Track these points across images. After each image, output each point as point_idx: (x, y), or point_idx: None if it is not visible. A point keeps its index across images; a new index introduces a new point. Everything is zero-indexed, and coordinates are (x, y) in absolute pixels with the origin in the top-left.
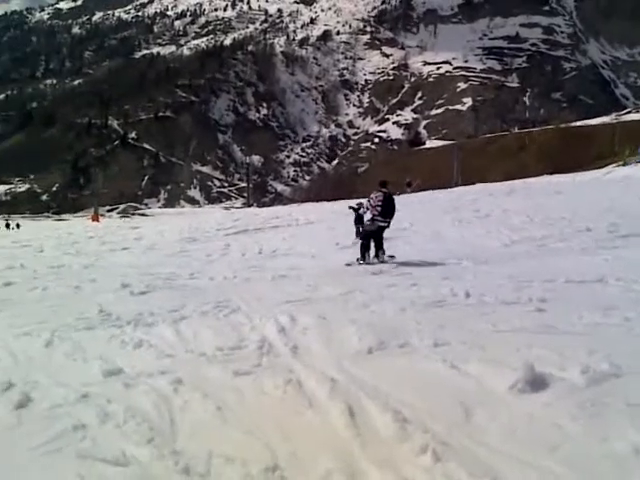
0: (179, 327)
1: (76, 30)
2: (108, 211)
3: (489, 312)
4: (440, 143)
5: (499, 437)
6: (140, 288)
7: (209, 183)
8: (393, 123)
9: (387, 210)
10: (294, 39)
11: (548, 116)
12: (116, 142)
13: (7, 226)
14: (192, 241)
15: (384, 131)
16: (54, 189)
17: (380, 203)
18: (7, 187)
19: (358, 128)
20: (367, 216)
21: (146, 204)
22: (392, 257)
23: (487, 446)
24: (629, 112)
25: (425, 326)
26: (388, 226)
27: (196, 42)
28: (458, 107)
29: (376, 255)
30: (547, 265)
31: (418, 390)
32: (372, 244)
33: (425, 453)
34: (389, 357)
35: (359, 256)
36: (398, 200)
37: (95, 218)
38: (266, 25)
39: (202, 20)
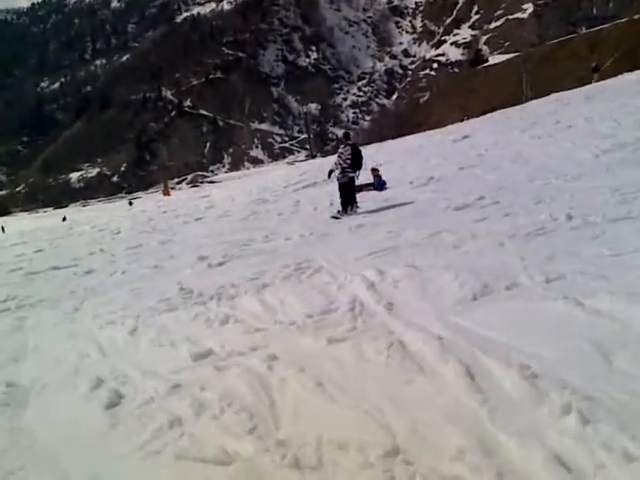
0: (263, 296)
1: (115, 4)
2: (177, 183)
3: (599, 234)
4: (504, 57)
5: None
6: (217, 259)
7: (270, 140)
8: (451, 44)
9: (356, 162)
10: None
11: (619, 9)
12: (173, 113)
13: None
14: (262, 202)
15: (442, 54)
16: (122, 169)
17: (350, 156)
18: (79, 174)
19: (414, 56)
20: (337, 171)
21: (212, 171)
22: (358, 207)
23: None
24: None
25: (531, 260)
26: (357, 177)
27: None
28: (518, 15)
29: (350, 206)
30: None
31: (542, 337)
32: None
33: (568, 414)
34: (497, 302)
35: (340, 209)
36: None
37: (166, 192)
38: None
39: None
